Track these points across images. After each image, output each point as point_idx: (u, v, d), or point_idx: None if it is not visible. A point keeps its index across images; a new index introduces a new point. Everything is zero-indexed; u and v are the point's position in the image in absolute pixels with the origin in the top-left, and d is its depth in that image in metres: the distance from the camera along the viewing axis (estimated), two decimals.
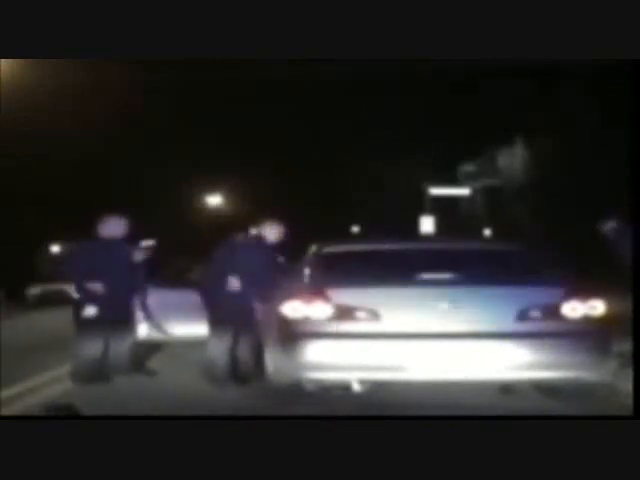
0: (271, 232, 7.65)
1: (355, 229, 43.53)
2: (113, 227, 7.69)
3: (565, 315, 5.72)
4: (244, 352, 7.31)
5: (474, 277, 5.99)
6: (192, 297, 7.71)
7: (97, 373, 7.30)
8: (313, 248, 6.93)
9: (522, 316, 5.70)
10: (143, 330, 8.42)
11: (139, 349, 8.20)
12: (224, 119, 37.17)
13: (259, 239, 7.60)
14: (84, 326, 7.36)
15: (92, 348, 7.33)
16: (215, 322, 7.31)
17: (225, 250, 7.51)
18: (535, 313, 5.73)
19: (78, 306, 7.43)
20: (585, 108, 23.99)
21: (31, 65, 21.25)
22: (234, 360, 7.26)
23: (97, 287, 7.30)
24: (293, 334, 5.76)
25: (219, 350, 7.20)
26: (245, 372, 7.20)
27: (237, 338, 7.28)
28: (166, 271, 9.31)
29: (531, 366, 5.61)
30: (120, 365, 7.45)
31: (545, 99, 26.00)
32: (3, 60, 17.21)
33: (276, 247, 7.70)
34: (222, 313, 7.23)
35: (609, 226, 8.16)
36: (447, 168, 34.92)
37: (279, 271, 7.23)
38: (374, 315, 5.69)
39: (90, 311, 7.32)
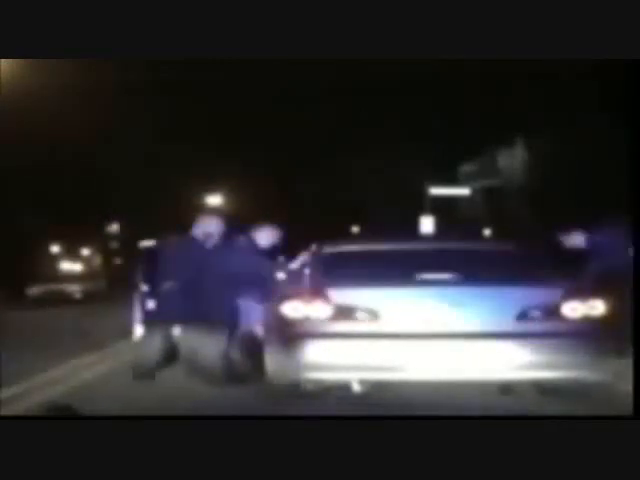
0: (263, 235, 7.65)
1: (355, 229, 43.57)
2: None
3: (565, 315, 5.71)
4: (235, 352, 7.31)
5: (474, 277, 5.98)
6: None
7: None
8: (313, 248, 6.93)
9: (522, 316, 5.69)
10: (140, 331, 8.43)
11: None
12: (224, 119, 37.19)
13: (250, 241, 7.61)
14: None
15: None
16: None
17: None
18: (535, 313, 5.72)
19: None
20: (585, 108, 24.00)
21: (31, 65, 21.26)
22: (227, 361, 7.24)
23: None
24: (293, 334, 5.75)
25: (212, 352, 7.17)
26: (238, 372, 7.19)
27: (228, 339, 7.27)
28: None
29: (531, 366, 5.61)
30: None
31: (545, 99, 26.01)
32: (3, 60, 17.22)
33: (274, 248, 7.71)
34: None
35: (575, 237, 8.31)
36: (447, 168, 34.94)
37: (276, 272, 7.24)
38: (374, 315, 5.69)
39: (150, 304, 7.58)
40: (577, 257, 8.16)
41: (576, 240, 8.43)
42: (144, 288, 8.14)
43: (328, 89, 33.22)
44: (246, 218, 10.71)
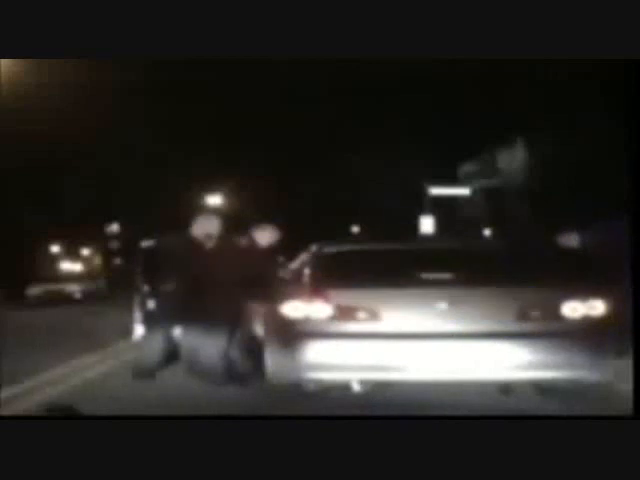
0: (263, 235, 7.66)
1: (355, 229, 43.60)
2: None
3: (565, 315, 5.72)
4: (235, 352, 7.32)
5: (474, 277, 5.99)
6: None
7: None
8: (313, 248, 6.93)
9: (522, 316, 5.70)
10: (139, 331, 8.43)
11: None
12: (224, 119, 37.20)
13: (250, 241, 7.62)
14: None
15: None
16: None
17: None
18: (535, 313, 5.73)
19: None
20: (585, 108, 23.99)
21: (31, 65, 21.27)
22: (227, 361, 7.24)
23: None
24: (293, 334, 5.76)
25: (212, 352, 7.16)
26: (238, 372, 7.18)
27: (228, 339, 7.28)
28: None
29: (531, 366, 5.62)
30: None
31: (545, 99, 26.00)
32: (3, 60, 17.22)
33: (274, 248, 7.73)
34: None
35: (571, 237, 8.34)
36: (447, 168, 34.94)
37: (276, 272, 7.25)
38: (374, 315, 5.69)
39: None
40: (577, 257, 8.16)
41: (572, 240, 8.45)
42: (144, 288, 8.17)
43: (328, 89, 33.21)
44: (246, 218, 10.71)
